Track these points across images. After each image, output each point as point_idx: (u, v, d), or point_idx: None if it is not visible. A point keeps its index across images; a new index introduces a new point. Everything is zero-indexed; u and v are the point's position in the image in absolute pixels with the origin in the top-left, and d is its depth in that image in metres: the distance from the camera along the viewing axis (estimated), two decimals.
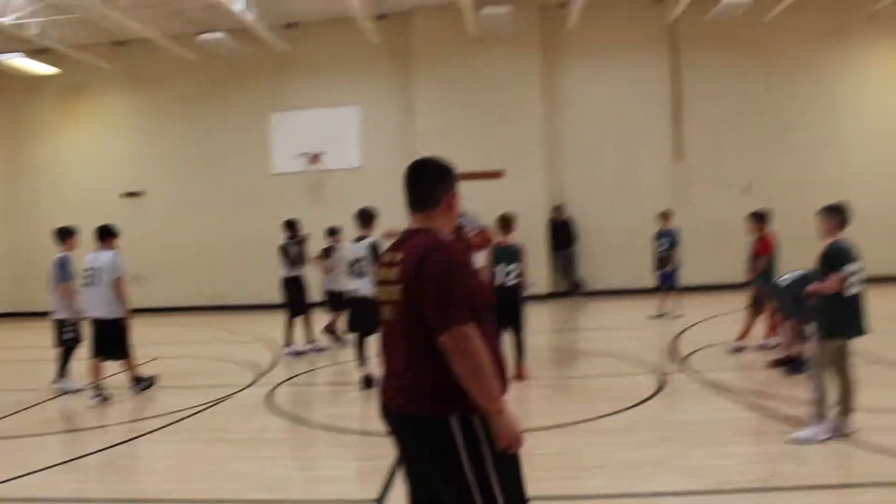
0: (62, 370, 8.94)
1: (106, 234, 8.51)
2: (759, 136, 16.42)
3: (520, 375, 8.23)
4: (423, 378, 2.79)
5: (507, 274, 8.14)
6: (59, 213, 17.73)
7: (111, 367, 8.60)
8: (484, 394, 2.69)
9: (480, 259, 8.82)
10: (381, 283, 2.98)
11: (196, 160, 17.66)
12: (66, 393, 8.80)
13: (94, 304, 8.28)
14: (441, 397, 2.75)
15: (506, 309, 8.17)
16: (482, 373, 2.69)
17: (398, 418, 2.90)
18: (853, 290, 5.65)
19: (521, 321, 8.31)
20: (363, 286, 8.23)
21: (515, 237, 8.54)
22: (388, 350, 2.98)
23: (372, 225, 8.49)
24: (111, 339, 8.29)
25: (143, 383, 8.67)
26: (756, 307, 9.27)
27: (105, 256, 8.33)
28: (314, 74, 17.24)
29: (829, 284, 5.60)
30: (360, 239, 8.45)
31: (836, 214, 5.85)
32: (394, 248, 2.99)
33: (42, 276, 17.58)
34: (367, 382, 8.12)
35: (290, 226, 11.26)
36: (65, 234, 8.93)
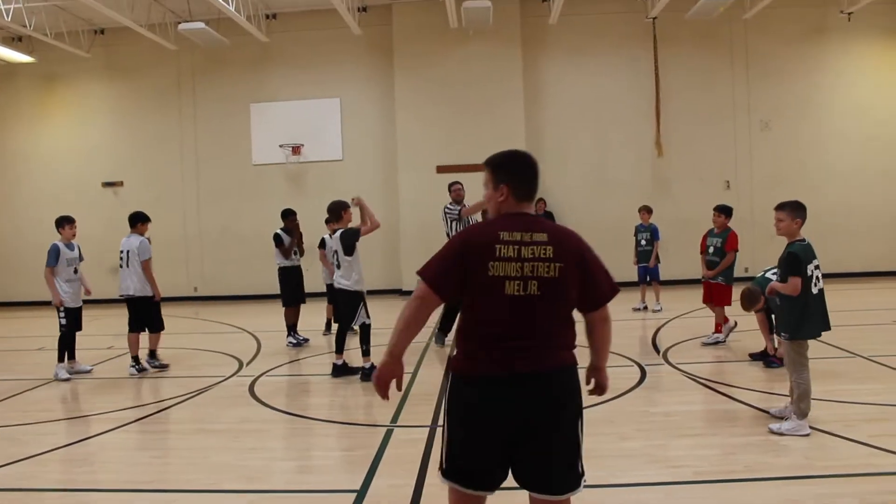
0: (59, 355, 9.03)
1: (136, 220, 9.36)
2: (738, 133, 16.59)
3: None
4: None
5: None
6: (37, 203, 17.61)
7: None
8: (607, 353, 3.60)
9: None
10: (516, 260, 3.05)
11: (175, 150, 17.52)
12: (59, 380, 8.82)
13: (128, 283, 9.12)
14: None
15: None
16: None
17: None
18: (814, 290, 5.72)
19: None
20: (339, 278, 8.34)
21: None
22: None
23: (342, 218, 8.51)
24: (145, 314, 9.21)
25: (158, 362, 9.33)
26: (719, 300, 9.40)
27: (135, 241, 9.20)
28: (294, 66, 17.16)
29: (791, 287, 5.65)
30: (333, 232, 8.50)
31: (800, 212, 5.82)
32: (524, 227, 3.11)
33: (21, 267, 17.58)
34: (365, 374, 8.17)
35: (286, 216, 11.10)
36: (60, 223, 9.19)
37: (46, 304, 16.44)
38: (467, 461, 3.08)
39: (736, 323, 9.60)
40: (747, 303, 7.78)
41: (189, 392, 8.02)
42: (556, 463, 3.06)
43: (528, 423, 3.00)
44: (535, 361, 3.01)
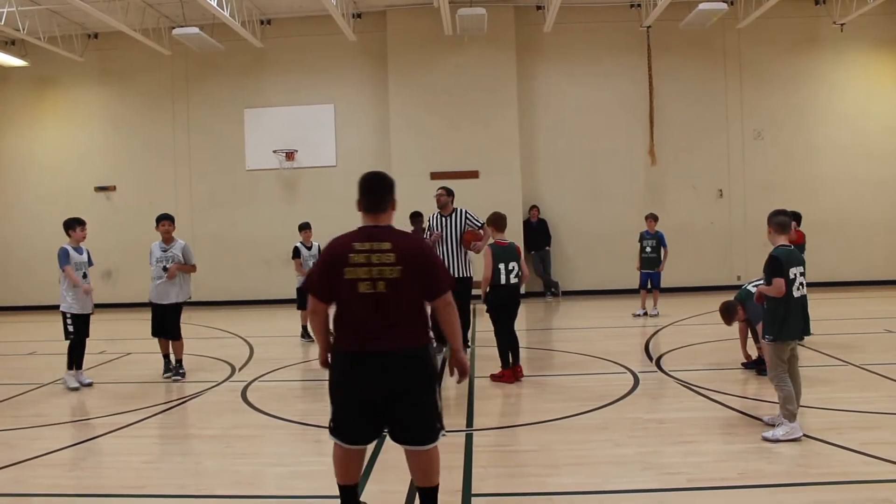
0: (69, 361, 8.59)
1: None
2: (731, 141, 16.67)
3: (518, 374, 8.28)
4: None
5: (510, 271, 8.08)
6: (30, 207, 17.56)
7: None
8: (455, 336, 4.12)
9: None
10: (366, 265, 3.90)
11: (169, 155, 17.47)
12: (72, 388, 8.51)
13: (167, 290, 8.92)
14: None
15: (509, 305, 8.21)
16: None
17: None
18: (796, 294, 5.78)
19: (514, 318, 8.38)
20: None
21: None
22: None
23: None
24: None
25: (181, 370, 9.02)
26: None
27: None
28: (289, 71, 17.15)
29: (776, 289, 5.73)
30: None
31: (772, 219, 5.99)
32: (373, 238, 3.93)
33: (13, 271, 17.51)
34: None
35: (302, 229, 11.22)
36: (71, 225, 8.68)
37: (40, 308, 16.50)
38: (342, 421, 4.05)
39: None
40: (725, 316, 8.15)
41: (181, 397, 7.98)
42: (415, 423, 3.98)
43: (384, 391, 3.90)
44: (382, 343, 3.87)
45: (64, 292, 8.54)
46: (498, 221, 8.34)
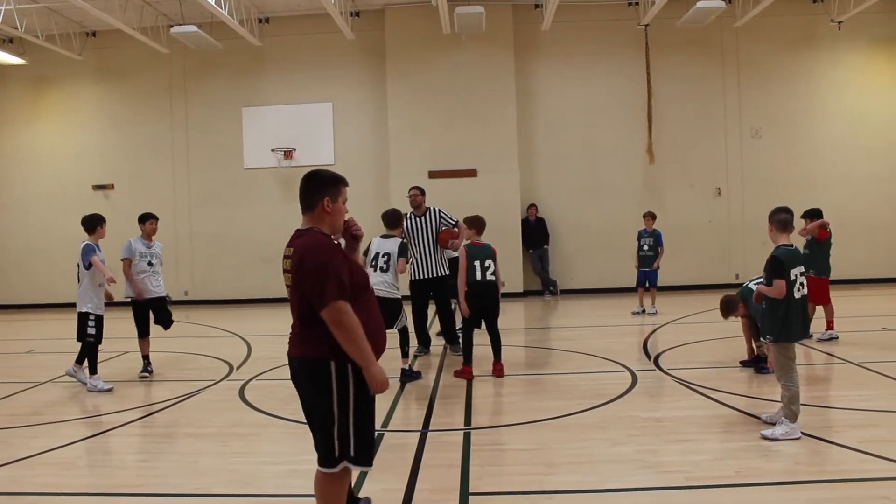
0: (91, 365, 8.43)
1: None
2: (729, 140, 16.67)
3: (497, 372, 8.30)
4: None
5: (486, 269, 8.19)
6: (28, 205, 17.54)
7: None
8: (357, 353, 3.60)
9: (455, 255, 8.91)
10: (284, 270, 3.83)
11: (167, 154, 17.45)
12: (93, 389, 8.34)
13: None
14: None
15: (485, 300, 8.24)
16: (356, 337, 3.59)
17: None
18: (797, 295, 5.76)
19: (497, 316, 8.38)
20: (386, 285, 8.21)
21: (485, 236, 8.60)
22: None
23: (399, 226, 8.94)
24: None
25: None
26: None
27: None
28: (287, 70, 17.13)
29: (776, 290, 5.70)
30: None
31: (774, 217, 5.95)
32: (290, 242, 3.83)
33: (11, 269, 17.48)
34: (404, 375, 8.22)
35: None
36: (99, 221, 8.73)
37: (36, 307, 16.49)
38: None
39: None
40: (724, 310, 8.11)
41: (179, 396, 7.97)
42: (316, 437, 3.80)
43: (301, 397, 3.86)
44: (290, 349, 3.87)
45: (90, 292, 8.43)
46: (476, 223, 8.48)
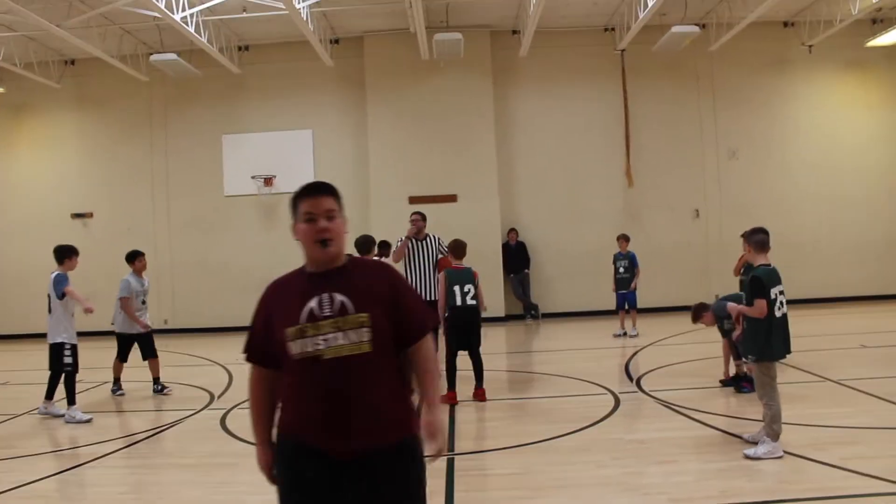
0: (69, 395, 8.23)
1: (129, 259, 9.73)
2: (706, 162, 16.88)
3: (479, 397, 8.29)
4: None
5: (466, 293, 8.22)
6: (5, 234, 17.33)
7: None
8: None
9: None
10: None
11: (146, 182, 17.35)
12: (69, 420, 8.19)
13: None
14: None
15: (465, 327, 8.26)
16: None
17: None
18: (777, 314, 5.83)
19: (478, 340, 8.39)
20: None
21: (467, 261, 8.66)
22: None
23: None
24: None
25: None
26: None
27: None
28: (267, 97, 17.15)
29: (758, 310, 5.76)
30: None
31: (752, 237, 6.04)
32: None
33: None
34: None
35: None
36: (60, 253, 8.56)
37: (11, 337, 16.26)
38: None
39: None
40: (694, 314, 8.30)
41: (160, 426, 7.88)
42: None
43: None
44: None
45: (64, 321, 8.30)
46: (456, 249, 8.61)
